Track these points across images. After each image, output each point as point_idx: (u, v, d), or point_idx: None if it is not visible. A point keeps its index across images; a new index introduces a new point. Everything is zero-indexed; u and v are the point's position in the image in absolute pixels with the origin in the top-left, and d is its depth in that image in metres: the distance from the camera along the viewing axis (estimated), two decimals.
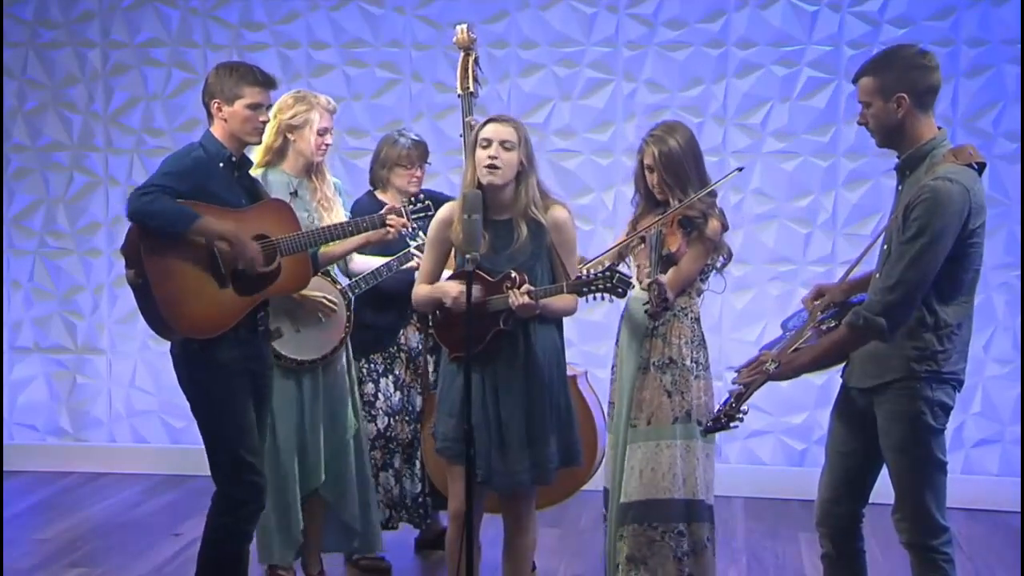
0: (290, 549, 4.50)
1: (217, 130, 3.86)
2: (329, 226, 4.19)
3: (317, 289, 4.35)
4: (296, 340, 4.38)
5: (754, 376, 3.42)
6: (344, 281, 4.59)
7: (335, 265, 4.56)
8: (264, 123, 3.93)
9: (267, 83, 3.88)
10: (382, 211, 4.30)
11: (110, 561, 5.03)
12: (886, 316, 3.26)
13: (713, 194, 4.11)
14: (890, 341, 3.30)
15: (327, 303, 4.39)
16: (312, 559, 4.63)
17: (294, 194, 4.36)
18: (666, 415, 4.07)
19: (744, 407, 3.43)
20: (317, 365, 4.45)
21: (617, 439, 4.19)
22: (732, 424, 3.45)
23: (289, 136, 4.39)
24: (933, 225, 3.22)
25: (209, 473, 3.91)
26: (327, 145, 4.44)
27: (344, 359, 4.56)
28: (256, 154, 4.33)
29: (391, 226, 4.24)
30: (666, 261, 4.03)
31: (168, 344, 3.96)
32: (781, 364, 3.39)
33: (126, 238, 3.81)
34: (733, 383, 3.52)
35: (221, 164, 3.85)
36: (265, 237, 3.89)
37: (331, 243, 4.29)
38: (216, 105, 3.84)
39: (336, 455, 4.52)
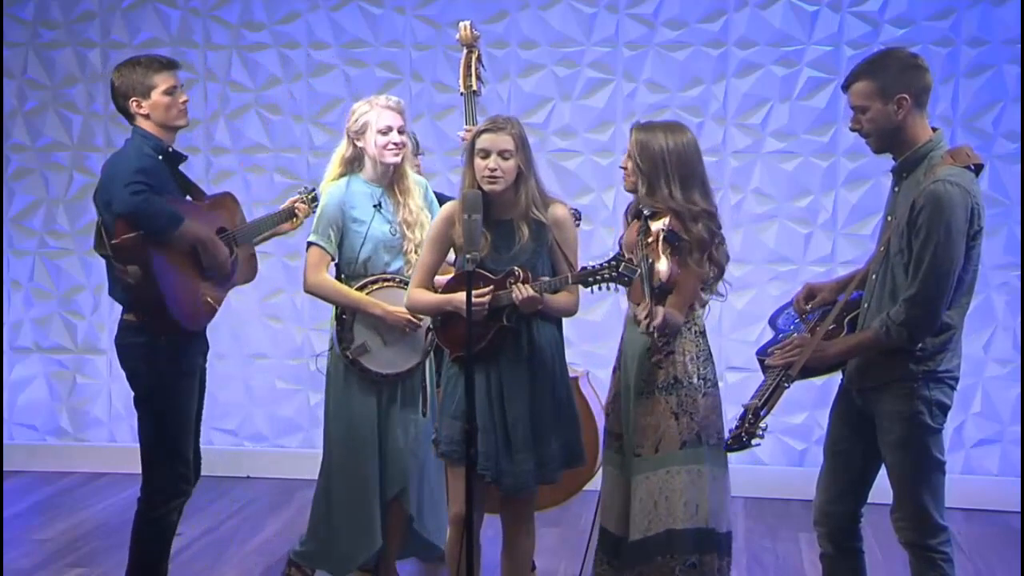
0: (366, 554, 4.40)
1: (144, 127, 3.94)
2: (265, 216, 4.38)
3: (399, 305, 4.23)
4: (382, 355, 4.33)
5: (787, 358, 3.44)
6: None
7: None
8: (185, 103, 4.00)
9: (172, 65, 3.99)
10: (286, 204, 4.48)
11: (110, 561, 5.02)
12: (909, 327, 3.29)
13: (712, 209, 3.74)
14: (914, 348, 3.32)
15: (413, 319, 4.25)
16: (388, 568, 4.52)
17: (377, 207, 4.31)
18: (674, 439, 3.69)
19: (763, 423, 3.37)
20: (398, 379, 4.37)
21: (622, 471, 3.84)
22: (754, 442, 3.37)
23: (358, 143, 4.32)
24: (940, 230, 3.23)
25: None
26: (395, 144, 4.27)
27: (424, 375, 4.47)
28: (331, 167, 4.36)
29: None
30: (661, 291, 3.64)
31: None
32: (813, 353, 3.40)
33: (118, 235, 3.80)
34: (765, 367, 3.47)
35: (161, 157, 3.94)
36: (225, 230, 4.06)
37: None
38: (135, 103, 3.92)
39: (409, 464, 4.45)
